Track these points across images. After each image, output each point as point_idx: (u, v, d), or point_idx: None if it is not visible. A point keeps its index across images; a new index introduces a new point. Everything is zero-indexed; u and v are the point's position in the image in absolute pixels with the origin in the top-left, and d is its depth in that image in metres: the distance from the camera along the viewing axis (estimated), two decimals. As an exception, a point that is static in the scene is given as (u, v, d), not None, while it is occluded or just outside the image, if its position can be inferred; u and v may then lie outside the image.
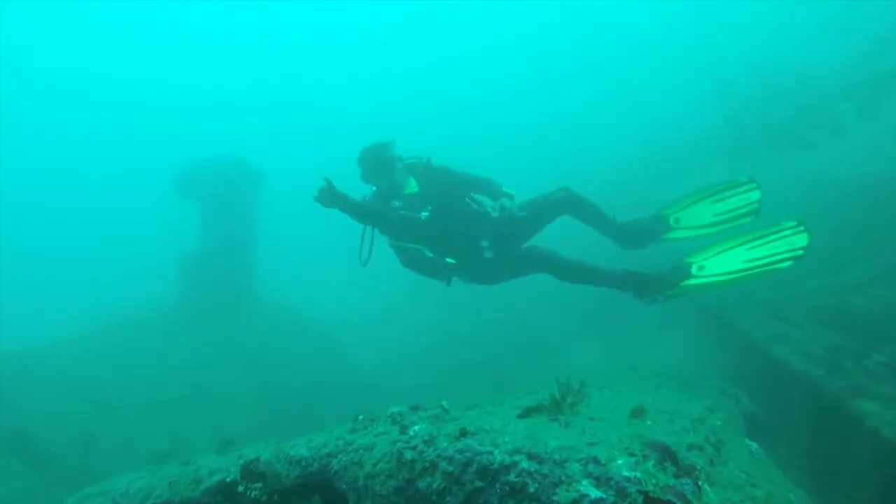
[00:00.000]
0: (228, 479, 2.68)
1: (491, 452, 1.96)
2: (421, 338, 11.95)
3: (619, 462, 1.92)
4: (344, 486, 2.26)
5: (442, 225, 4.48)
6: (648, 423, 2.85)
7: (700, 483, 2.17)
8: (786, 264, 3.60)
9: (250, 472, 2.62)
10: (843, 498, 5.27)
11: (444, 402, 2.67)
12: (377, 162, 4.59)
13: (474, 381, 11.01)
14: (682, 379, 4.81)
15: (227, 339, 10.69)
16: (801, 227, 3.70)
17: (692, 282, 3.87)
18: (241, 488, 2.58)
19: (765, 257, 3.65)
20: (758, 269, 3.65)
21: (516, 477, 1.86)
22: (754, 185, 4.14)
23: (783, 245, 3.63)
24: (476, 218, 4.68)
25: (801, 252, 3.60)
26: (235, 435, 8.42)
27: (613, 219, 4.73)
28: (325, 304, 12.66)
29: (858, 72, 9.44)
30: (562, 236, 5.35)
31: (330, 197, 4.18)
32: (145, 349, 9.82)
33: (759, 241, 3.80)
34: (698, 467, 2.31)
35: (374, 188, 4.75)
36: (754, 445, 3.34)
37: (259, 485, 2.55)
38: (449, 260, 4.39)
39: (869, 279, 6.21)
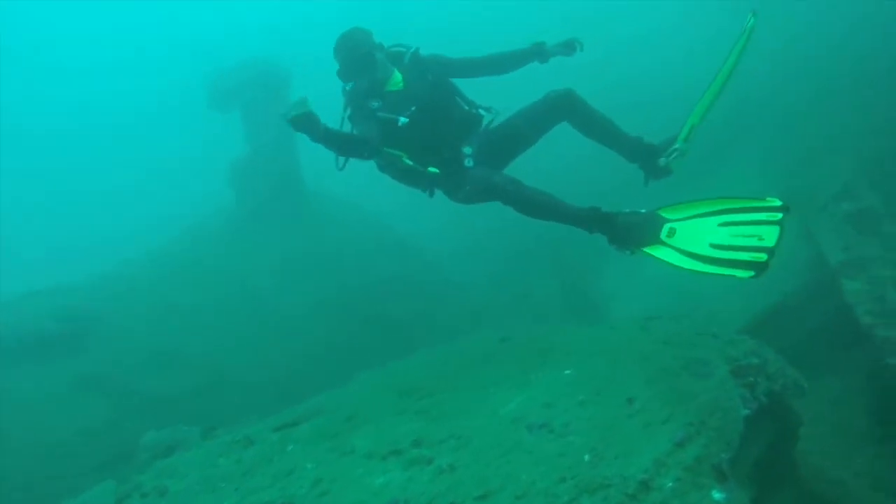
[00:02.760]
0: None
1: None
2: (483, 223, 11.60)
3: None
4: None
5: (423, 130, 3.89)
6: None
7: None
8: (745, 274, 2.64)
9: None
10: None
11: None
12: (355, 57, 3.91)
13: (538, 266, 10.81)
14: (700, 342, 4.00)
15: (289, 244, 11.01)
16: (780, 216, 2.60)
17: (655, 251, 3.10)
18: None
19: (731, 249, 2.71)
20: (716, 269, 2.77)
21: None
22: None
23: (752, 233, 2.66)
24: (464, 121, 4.09)
25: (764, 257, 2.61)
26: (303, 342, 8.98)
27: (626, 133, 3.84)
28: (379, 198, 12.42)
29: None
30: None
31: (304, 122, 3.29)
32: (212, 265, 10.45)
33: (736, 215, 2.81)
34: None
35: (351, 86, 4.06)
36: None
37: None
38: (431, 170, 3.82)
39: None
